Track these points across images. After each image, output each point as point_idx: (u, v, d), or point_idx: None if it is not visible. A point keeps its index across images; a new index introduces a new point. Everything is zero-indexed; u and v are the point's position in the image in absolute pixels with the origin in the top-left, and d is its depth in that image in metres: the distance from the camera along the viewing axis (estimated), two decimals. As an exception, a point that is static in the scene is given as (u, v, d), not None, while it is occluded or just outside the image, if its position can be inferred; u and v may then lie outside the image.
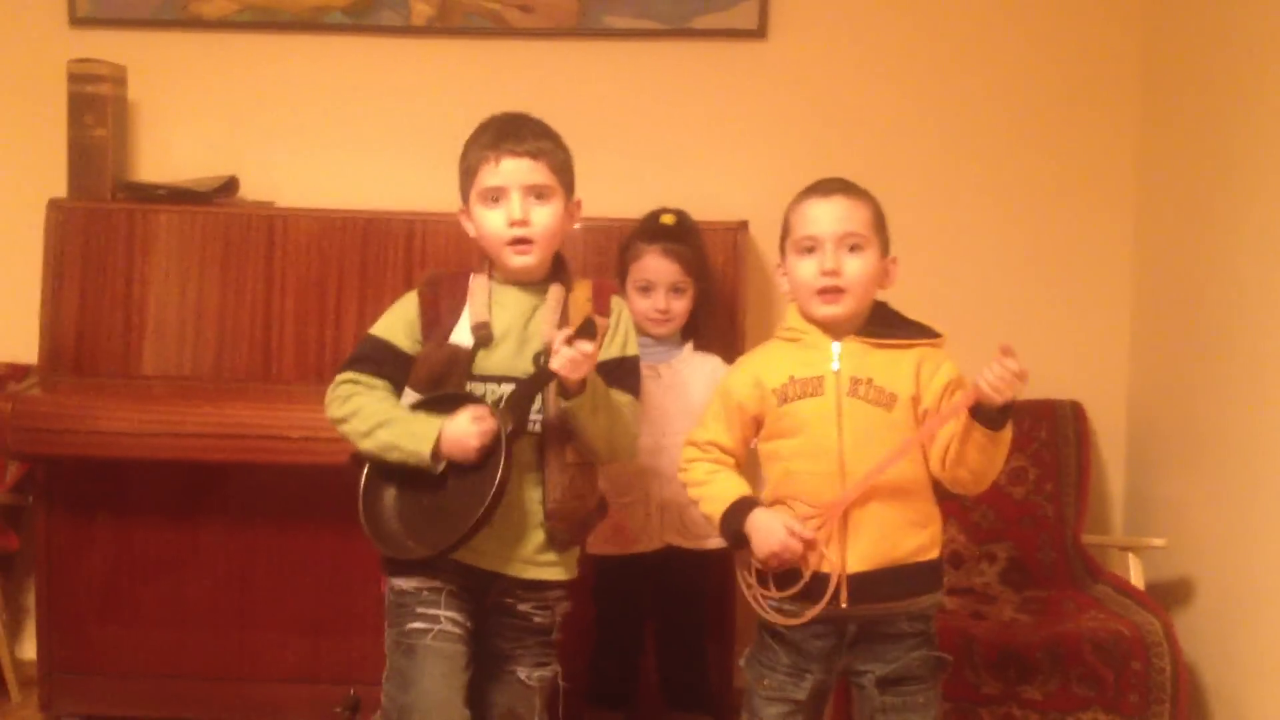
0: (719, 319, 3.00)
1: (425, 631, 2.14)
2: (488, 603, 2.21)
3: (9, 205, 3.48)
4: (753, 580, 2.17)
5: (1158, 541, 3.03)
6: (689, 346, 2.88)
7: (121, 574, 3.24)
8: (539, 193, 2.20)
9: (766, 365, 2.22)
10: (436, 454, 2.10)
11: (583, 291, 2.26)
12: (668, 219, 2.88)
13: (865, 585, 2.10)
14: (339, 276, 3.19)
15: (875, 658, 2.15)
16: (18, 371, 3.33)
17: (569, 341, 2.03)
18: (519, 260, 2.20)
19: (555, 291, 2.23)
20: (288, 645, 3.22)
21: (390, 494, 2.17)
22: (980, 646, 2.65)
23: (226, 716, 3.27)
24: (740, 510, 2.14)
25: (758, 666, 2.23)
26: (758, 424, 2.21)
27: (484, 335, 2.17)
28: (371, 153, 3.46)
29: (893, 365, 2.15)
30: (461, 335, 2.19)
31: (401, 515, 2.16)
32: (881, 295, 2.23)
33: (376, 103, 3.47)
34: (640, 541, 2.78)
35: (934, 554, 2.17)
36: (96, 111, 3.29)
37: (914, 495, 2.15)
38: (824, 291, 2.14)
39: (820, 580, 2.10)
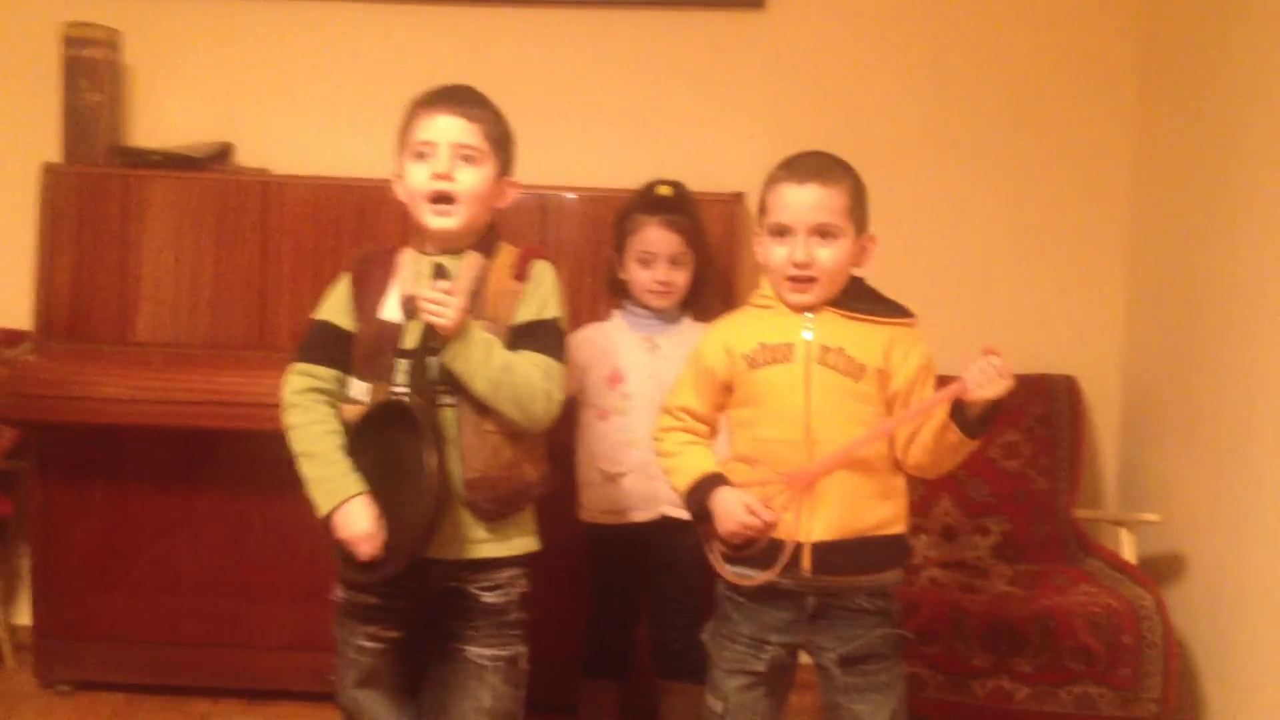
0: (715, 292, 2.99)
1: (348, 643, 2.22)
2: (433, 588, 2.20)
3: (3, 169, 3.46)
4: (718, 546, 2.17)
5: (1151, 517, 3.04)
6: (686, 319, 2.87)
7: (116, 541, 3.25)
8: (469, 155, 2.18)
9: (737, 331, 2.21)
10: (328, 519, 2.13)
11: (507, 258, 2.24)
12: (665, 190, 2.87)
13: (829, 555, 2.09)
14: (334, 244, 3.18)
15: (835, 635, 2.14)
16: (12, 337, 3.32)
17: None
18: (438, 221, 2.18)
19: (470, 257, 2.21)
20: (283, 613, 3.23)
21: None
22: (971, 620, 2.67)
23: (222, 684, 3.28)
24: (705, 486, 2.15)
25: (719, 639, 2.22)
26: (728, 390, 2.20)
27: (410, 308, 2.15)
28: (367, 120, 3.42)
29: (864, 338, 2.14)
30: (391, 310, 2.19)
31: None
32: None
33: (372, 70, 3.46)
34: (635, 512, 2.78)
35: (898, 529, 2.16)
36: (91, 76, 3.27)
37: (879, 469, 2.14)
38: (794, 279, 2.14)
39: (781, 547, 2.09)
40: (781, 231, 2.14)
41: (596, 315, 2.96)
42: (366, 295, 2.21)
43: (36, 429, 3.16)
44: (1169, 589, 2.92)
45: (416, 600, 2.19)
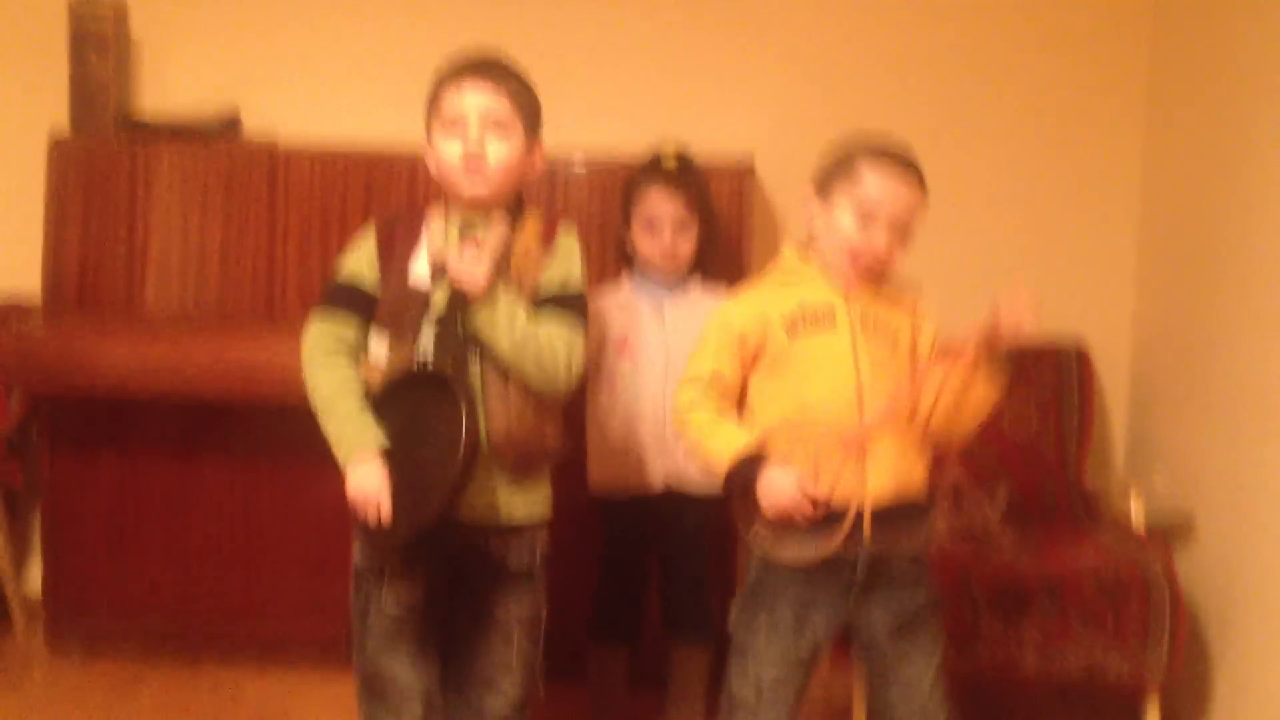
0: (724, 259, 2.99)
1: (367, 607, 2.20)
2: (457, 550, 2.20)
3: (11, 142, 3.47)
4: (762, 529, 2.09)
5: (1160, 482, 3.04)
6: (696, 284, 2.87)
7: (126, 510, 3.26)
8: (500, 126, 2.17)
9: (770, 298, 2.18)
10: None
11: (534, 225, 2.23)
12: (669, 157, 2.87)
13: (888, 520, 2.09)
14: (342, 215, 3.18)
15: (884, 607, 2.13)
16: (21, 309, 3.33)
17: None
18: (471, 188, 2.17)
19: (497, 223, 2.19)
20: (293, 582, 3.25)
21: None
22: (980, 585, 2.67)
23: (231, 652, 3.30)
24: (749, 466, 2.06)
25: (756, 625, 2.15)
26: (756, 358, 2.17)
27: (439, 270, 2.15)
28: (375, 91, 3.44)
29: (891, 307, 2.19)
30: (420, 272, 2.18)
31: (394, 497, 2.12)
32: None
33: (379, 39, 3.45)
34: (643, 481, 2.79)
35: (927, 489, 2.18)
36: (98, 48, 3.27)
37: (911, 429, 2.15)
38: (864, 263, 2.14)
39: (836, 516, 2.05)
40: (868, 214, 2.13)
41: (605, 281, 2.95)
42: (392, 256, 2.21)
43: (46, 399, 3.17)
44: (1177, 555, 2.91)
45: (439, 563, 2.20)
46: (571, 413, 2.71)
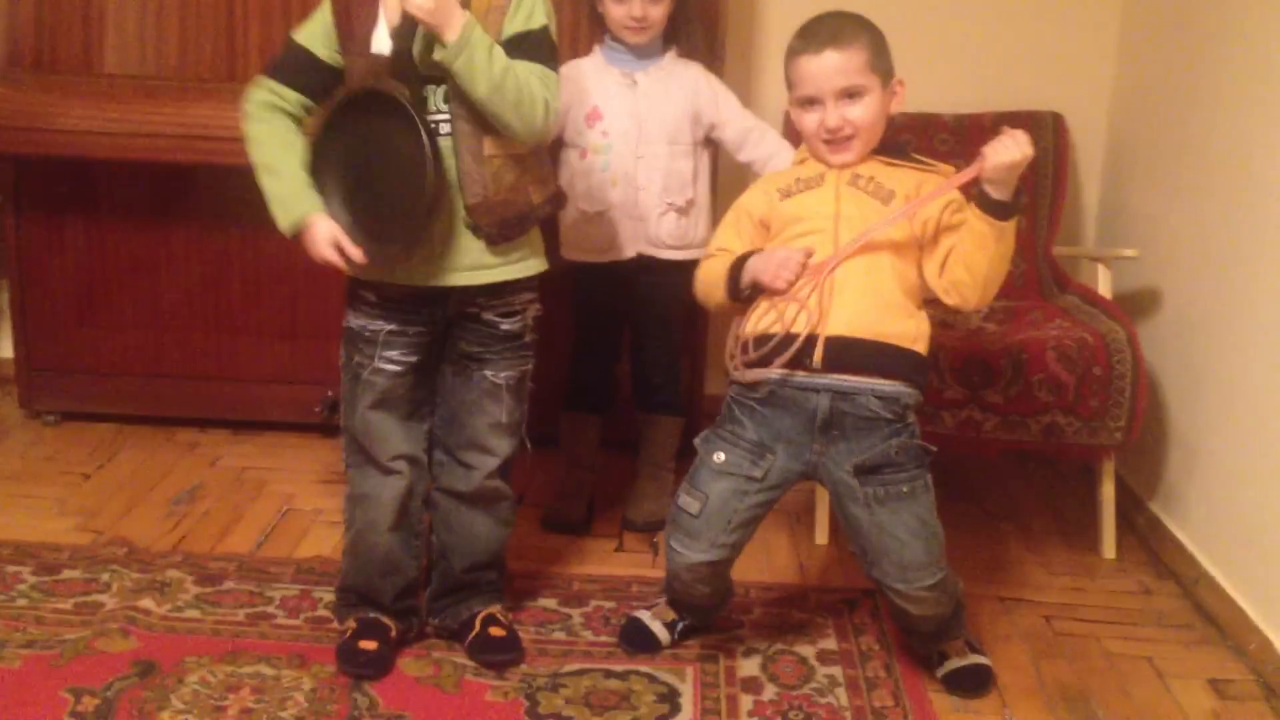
0: (698, 24, 2.91)
1: (363, 365, 2.21)
2: (450, 314, 2.22)
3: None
4: (736, 353, 2.17)
5: (1129, 252, 3.05)
6: (670, 54, 2.80)
7: (95, 275, 3.26)
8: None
9: (776, 178, 2.29)
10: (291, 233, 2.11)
11: None
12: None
13: (842, 351, 2.10)
14: (302, -27, 3.07)
15: (848, 446, 2.14)
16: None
17: None
18: None
19: None
20: (265, 347, 3.27)
21: (335, 203, 2.13)
22: (945, 354, 2.70)
23: (206, 414, 3.35)
24: (742, 260, 2.20)
25: (715, 441, 2.22)
26: (765, 229, 2.24)
27: (398, 31, 2.06)
28: None
29: (896, 174, 2.19)
30: (381, 42, 2.10)
31: (353, 225, 2.11)
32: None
33: None
34: (616, 249, 2.78)
35: (918, 348, 2.16)
36: None
37: (900, 288, 2.15)
38: (831, 142, 2.17)
39: (789, 339, 2.10)
40: (809, 102, 2.17)
41: (577, 53, 2.89)
42: (352, 27, 2.12)
43: (8, 161, 3.11)
44: (1142, 323, 2.96)
45: (434, 326, 2.22)
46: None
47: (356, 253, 2.08)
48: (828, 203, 2.17)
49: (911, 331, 2.15)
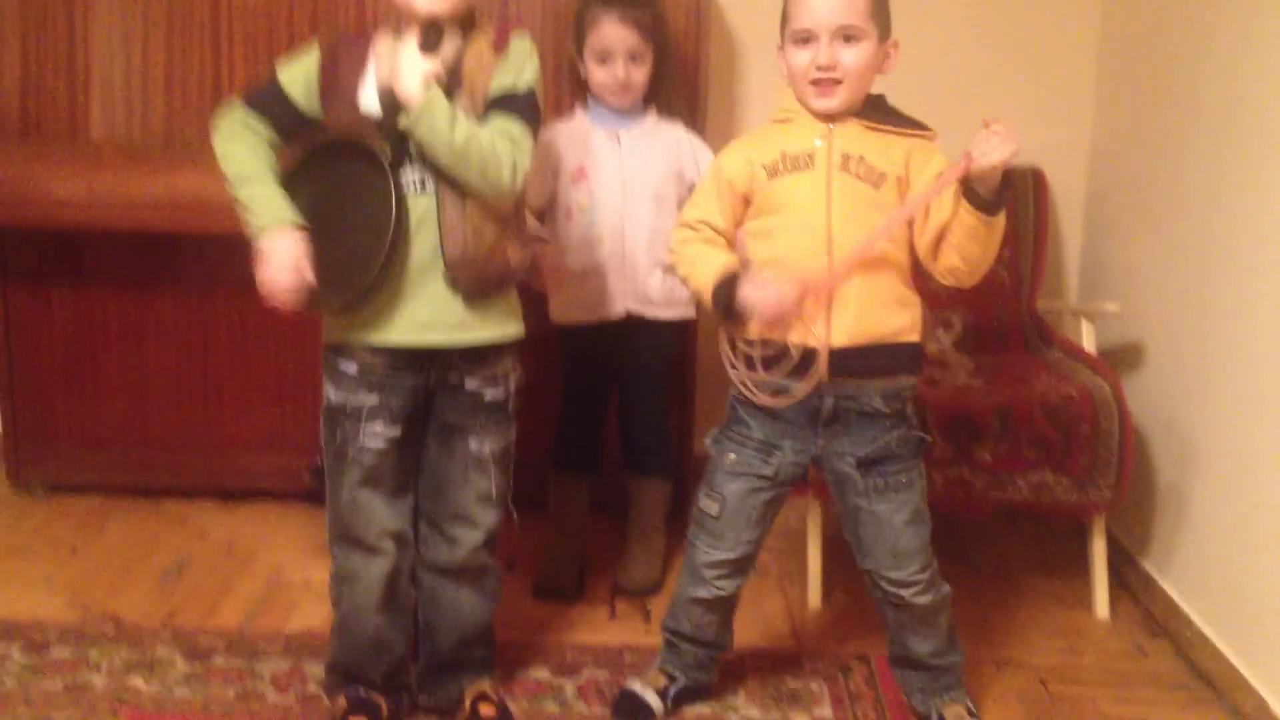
0: (678, 87, 2.93)
1: (349, 442, 2.19)
2: (432, 384, 2.20)
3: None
4: (739, 364, 2.19)
5: (1111, 307, 3.07)
6: (652, 114, 2.83)
7: (83, 345, 3.25)
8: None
9: (758, 144, 2.22)
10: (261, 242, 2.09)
11: (486, 34, 2.16)
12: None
13: (846, 360, 2.13)
14: (288, 39, 3.08)
15: (852, 440, 2.19)
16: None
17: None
18: (428, 3, 2.08)
19: (452, 31, 2.12)
20: (253, 414, 3.27)
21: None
22: (933, 411, 2.71)
23: (195, 484, 3.33)
24: (732, 281, 2.13)
25: (725, 442, 2.27)
26: (747, 203, 2.21)
27: (387, 94, 2.08)
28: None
29: (885, 147, 2.15)
30: (369, 101, 2.12)
31: (316, 270, 2.08)
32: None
33: None
34: (602, 309, 2.79)
35: (914, 337, 2.19)
36: None
37: (897, 277, 2.16)
38: (818, 83, 2.13)
39: (806, 356, 2.13)
40: (805, 38, 2.13)
41: (559, 112, 2.90)
42: (337, 82, 2.14)
43: (-3, 234, 3.12)
44: (1127, 378, 2.97)
45: (416, 398, 2.20)
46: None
47: (310, 280, 2.05)
48: (819, 194, 2.13)
49: (909, 323, 2.19)
